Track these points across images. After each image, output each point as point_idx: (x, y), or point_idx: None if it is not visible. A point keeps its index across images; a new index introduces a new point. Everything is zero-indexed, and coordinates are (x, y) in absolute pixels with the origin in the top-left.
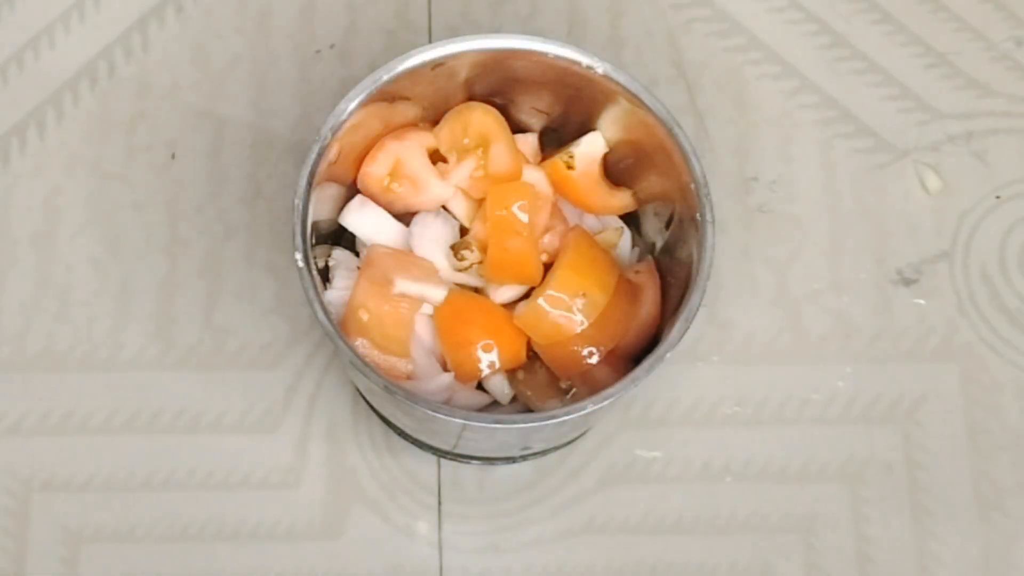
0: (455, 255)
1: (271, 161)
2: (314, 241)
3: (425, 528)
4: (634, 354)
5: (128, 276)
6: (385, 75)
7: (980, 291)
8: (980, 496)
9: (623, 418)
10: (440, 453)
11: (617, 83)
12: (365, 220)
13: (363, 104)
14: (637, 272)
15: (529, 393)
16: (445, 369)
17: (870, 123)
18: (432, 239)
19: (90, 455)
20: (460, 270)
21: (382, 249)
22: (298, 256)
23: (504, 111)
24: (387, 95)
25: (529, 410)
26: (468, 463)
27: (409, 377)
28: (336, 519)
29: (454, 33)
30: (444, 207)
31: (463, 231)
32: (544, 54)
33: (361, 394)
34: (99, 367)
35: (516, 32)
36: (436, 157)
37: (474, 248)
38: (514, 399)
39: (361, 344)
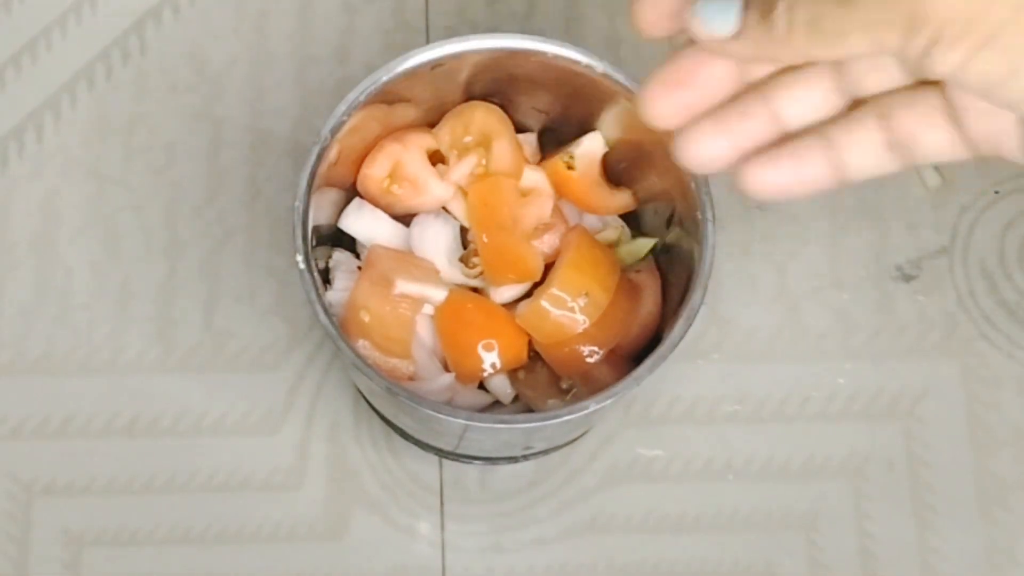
0: (466, 265)
1: (270, 163)
2: (314, 243)
3: (427, 528)
4: (635, 353)
5: (128, 279)
6: (384, 76)
7: (980, 286)
8: (982, 492)
9: (624, 417)
10: (442, 453)
11: (616, 82)
12: (363, 223)
13: (362, 105)
14: (638, 271)
15: (530, 393)
16: (446, 369)
17: None
18: (432, 240)
19: (91, 458)
20: (473, 277)
21: (382, 250)
22: (299, 258)
23: (503, 111)
24: (386, 96)
25: (531, 410)
26: (470, 463)
27: (411, 378)
28: (338, 520)
29: (451, 33)
30: (444, 208)
31: (463, 231)
32: (543, 53)
33: (362, 395)
34: (99, 370)
35: (513, 31)
36: (435, 158)
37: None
38: (516, 399)
39: (362, 345)
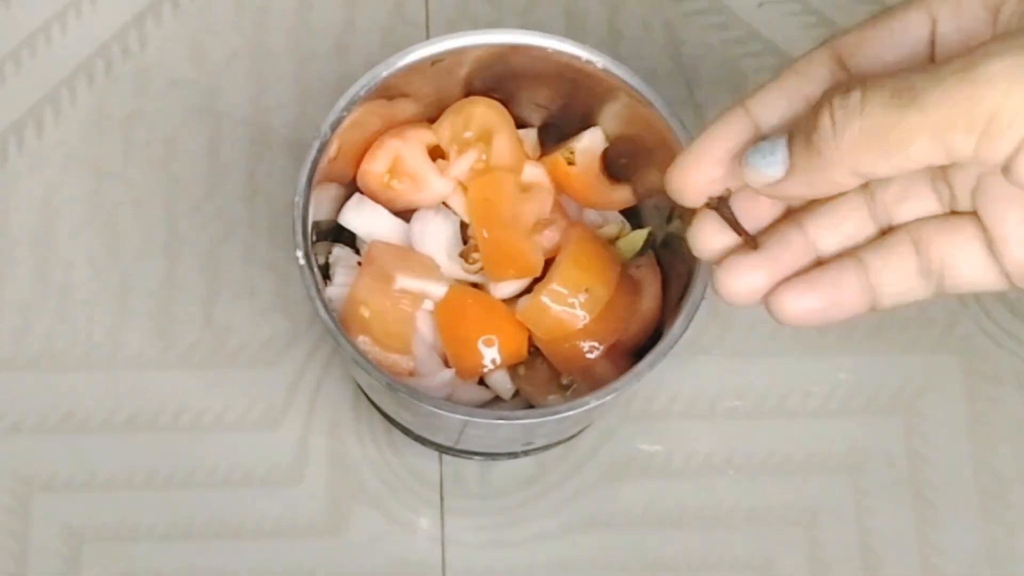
0: (465, 260)
1: (270, 158)
2: (314, 238)
3: (427, 524)
4: (635, 348)
5: (127, 274)
6: (384, 71)
7: None
8: (982, 487)
9: (625, 412)
10: (442, 449)
11: (617, 77)
12: (363, 218)
13: (363, 100)
14: (638, 267)
15: (530, 388)
16: (446, 365)
17: None
18: (432, 235)
19: (91, 454)
20: (473, 272)
21: (383, 245)
22: (299, 254)
23: (503, 106)
24: (386, 91)
25: (531, 405)
26: (470, 458)
27: (411, 374)
28: (338, 516)
29: (452, 28)
30: (444, 203)
31: (463, 227)
32: (544, 49)
33: (362, 390)
34: (99, 366)
35: (514, 26)
36: (435, 154)
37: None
38: (516, 394)
39: (363, 341)
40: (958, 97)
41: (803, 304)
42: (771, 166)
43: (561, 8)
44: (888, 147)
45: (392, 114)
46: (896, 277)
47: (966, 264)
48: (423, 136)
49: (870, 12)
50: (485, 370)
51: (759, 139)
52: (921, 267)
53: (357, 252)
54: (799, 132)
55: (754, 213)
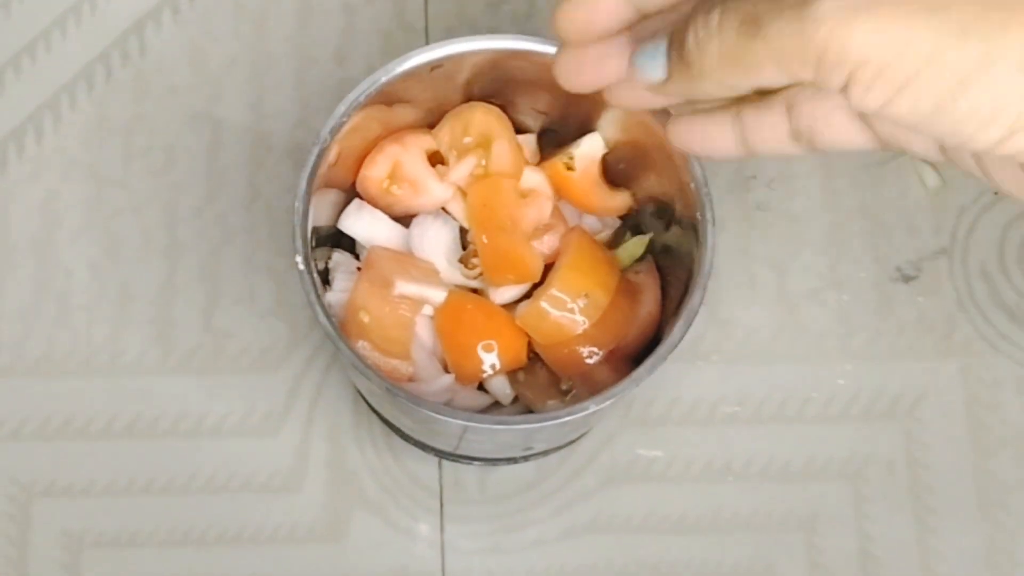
0: (465, 265)
1: (269, 164)
2: (314, 244)
3: (427, 529)
4: (634, 354)
5: (127, 280)
6: (384, 76)
7: (979, 287)
8: (982, 493)
9: (624, 418)
10: (442, 454)
11: None
12: (363, 224)
13: (362, 106)
14: (637, 272)
15: (530, 394)
16: (446, 370)
17: None
18: (432, 241)
19: (91, 460)
20: (472, 277)
21: (382, 251)
22: (299, 259)
23: (503, 112)
24: (385, 97)
25: (530, 411)
26: (470, 464)
27: (410, 379)
28: (338, 521)
29: (451, 34)
30: (444, 209)
31: (463, 232)
32: (542, 54)
33: (362, 396)
34: (99, 372)
35: (513, 32)
36: (435, 159)
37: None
38: (515, 400)
39: (362, 346)
40: (792, 32)
41: (684, 137)
42: (654, 69)
43: None
44: (743, 69)
45: (391, 120)
46: (769, 135)
47: (830, 130)
48: (422, 142)
49: None
50: (484, 375)
51: (646, 40)
52: (791, 129)
53: (357, 257)
54: (674, 42)
55: None
